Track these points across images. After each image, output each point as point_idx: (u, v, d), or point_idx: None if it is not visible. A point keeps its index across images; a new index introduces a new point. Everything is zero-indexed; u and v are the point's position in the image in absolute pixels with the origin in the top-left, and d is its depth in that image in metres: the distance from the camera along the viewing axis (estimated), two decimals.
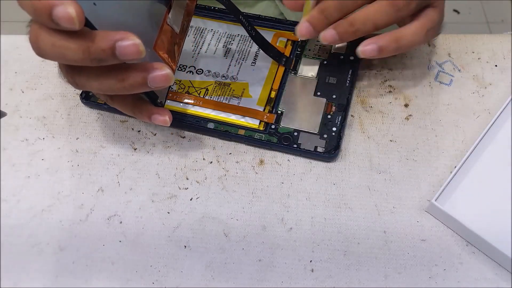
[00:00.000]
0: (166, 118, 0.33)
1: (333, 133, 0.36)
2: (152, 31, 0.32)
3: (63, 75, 0.30)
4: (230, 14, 0.38)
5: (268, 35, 0.41)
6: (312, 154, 0.36)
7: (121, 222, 0.35)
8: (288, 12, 0.50)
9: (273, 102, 0.38)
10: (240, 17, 0.36)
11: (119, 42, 0.26)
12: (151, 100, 0.34)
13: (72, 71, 0.29)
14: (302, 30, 0.35)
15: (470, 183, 0.35)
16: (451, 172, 0.35)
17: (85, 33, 0.26)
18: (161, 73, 0.29)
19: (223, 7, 0.36)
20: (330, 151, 0.36)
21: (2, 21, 0.98)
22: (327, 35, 0.34)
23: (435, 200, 0.33)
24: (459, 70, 0.40)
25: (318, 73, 0.39)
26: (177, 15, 0.34)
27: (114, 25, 0.28)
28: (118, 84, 0.29)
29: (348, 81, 0.38)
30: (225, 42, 0.41)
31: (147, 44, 0.32)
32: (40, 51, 0.27)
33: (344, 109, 0.37)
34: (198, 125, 0.37)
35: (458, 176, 0.35)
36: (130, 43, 0.26)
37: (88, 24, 0.26)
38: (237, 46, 0.41)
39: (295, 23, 0.41)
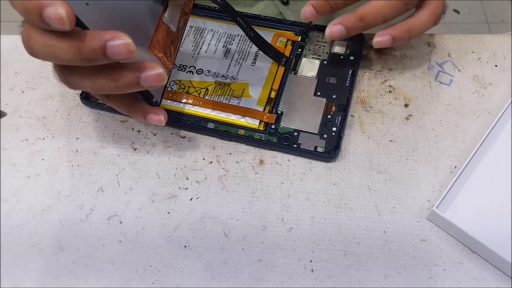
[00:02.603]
0: (161, 118, 0.33)
1: (333, 133, 0.36)
2: (148, 30, 0.32)
3: (56, 74, 0.30)
4: (228, 16, 0.38)
5: (268, 35, 0.41)
6: (312, 154, 0.36)
7: (121, 222, 0.35)
8: (287, 12, 0.50)
9: (273, 102, 0.38)
10: (238, 19, 0.36)
11: (110, 42, 0.26)
12: (146, 99, 0.33)
13: (64, 71, 0.29)
14: (306, 13, 0.36)
15: (471, 190, 0.34)
16: (451, 173, 0.35)
17: (76, 33, 0.26)
18: (154, 72, 0.28)
19: None
20: (330, 151, 0.36)
21: (2, 21, 0.98)
22: (335, 31, 0.35)
23: (436, 208, 0.33)
24: (459, 70, 0.40)
25: (318, 73, 0.39)
26: (174, 14, 0.34)
27: (108, 25, 0.28)
28: (110, 83, 0.29)
29: (348, 81, 0.38)
30: (225, 42, 0.41)
31: (142, 44, 0.31)
32: (32, 51, 0.27)
33: (344, 109, 0.37)
34: (198, 125, 0.37)
35: (458, 183, 0.34)
36: (120, 43, 0.26)
37: (80, 24, 0.26)
38: (237, 46, 0.41)
39: (295, 23, 0.41)
